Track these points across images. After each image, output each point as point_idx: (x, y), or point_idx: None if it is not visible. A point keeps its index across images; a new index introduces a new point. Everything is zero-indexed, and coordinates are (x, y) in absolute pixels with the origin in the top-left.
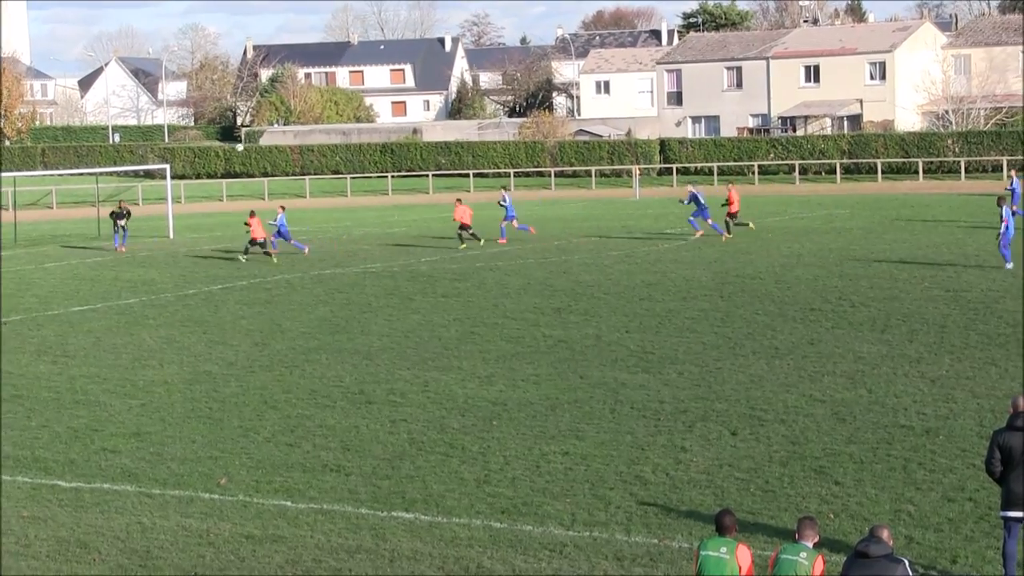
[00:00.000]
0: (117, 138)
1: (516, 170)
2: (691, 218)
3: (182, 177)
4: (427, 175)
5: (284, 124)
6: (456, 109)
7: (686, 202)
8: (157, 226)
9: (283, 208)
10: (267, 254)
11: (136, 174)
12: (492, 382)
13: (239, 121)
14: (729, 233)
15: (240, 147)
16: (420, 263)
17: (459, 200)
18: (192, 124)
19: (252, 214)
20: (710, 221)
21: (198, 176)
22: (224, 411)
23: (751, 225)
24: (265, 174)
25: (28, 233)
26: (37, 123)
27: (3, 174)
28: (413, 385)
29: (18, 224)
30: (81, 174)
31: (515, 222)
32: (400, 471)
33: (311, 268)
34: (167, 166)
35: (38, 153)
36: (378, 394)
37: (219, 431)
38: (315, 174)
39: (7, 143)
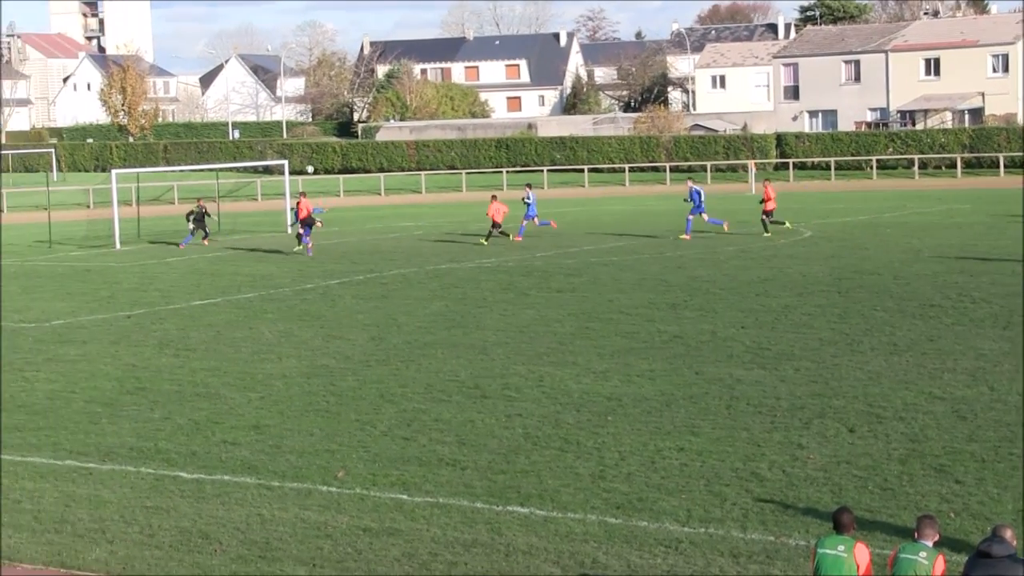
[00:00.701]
0: (237, 134)
1: (631, 165)
2: (689, 216)
3: (300, 173)
4: (542, 170)
5: (400, 120)
6: (571, 104)
7: (688, 199)
8: (275, 221)
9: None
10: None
11: (255, 170)
12: (607, 377)
13: (356, 117)
14: (767, 232)
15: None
16: (535, 258)
17: (494, 197)
18: (309, 120)
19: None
20: (706, 217)
21: (316, 172)
22: (341, 405)
23: (788, 224)
24: (381, 169)
25: (150, 228)
26: (160, 120)
27: (125, 170)
28: (528, 380)
29: (141, 220)
30: (202, 170)
31: (536, 220)
32: (515, 466)
33: (426, 263)
34: (286, 162)
35: (160, 149)
36: (493, 389)
37: (336, 424)
38: (431, 169)
39: (131, 139)
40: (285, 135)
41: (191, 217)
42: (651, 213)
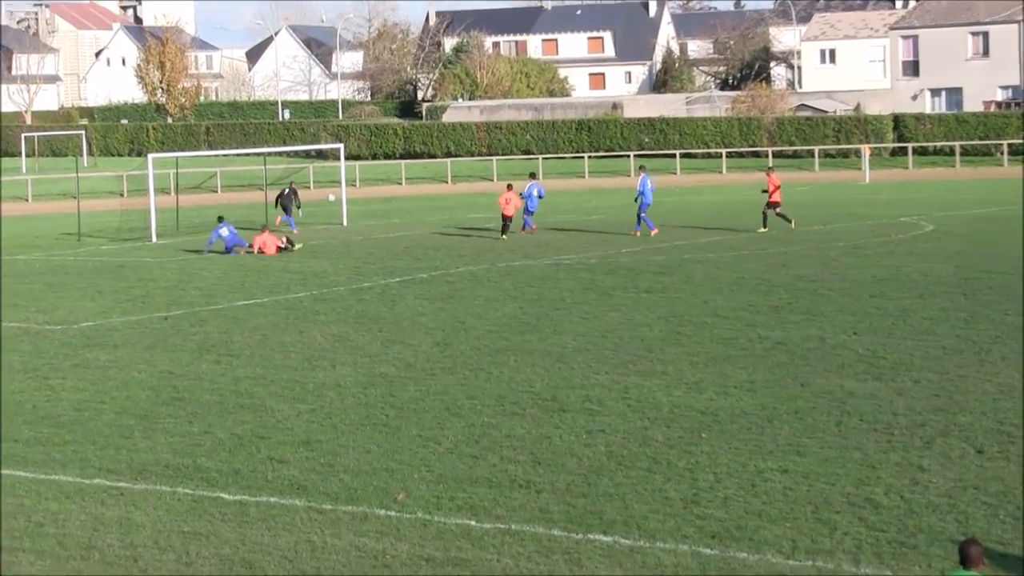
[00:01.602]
0: (287, 114)
1: (728, 150)
2: (642, 215)
3: (357, 158)
4: (628, 155)
5: (469, 99)
6: (661, 81)
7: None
8: (330, 212)
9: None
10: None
11: (307, 154)
12: (701, 389)
13: (419, 95)
14: (764, 227)
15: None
16: (620, 254)
17: (510, 186)
18: (368, 99)
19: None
20: (641, 214)
21: (374, 156)
22: (402, 418)
23: (792, 224)
24: (448, 154)
25: (191, 219)
26: (202, 98)
27: (163, 155)
28: (612, 391)
29: (180, 210)
30: (248, 154)
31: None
32: (597, 488)
33: (498, 259)
34: (341, 145)
35: (202, 131)
36: (572, 401)
37: (396, 440)
38: (503, 154)
39: (169, 120)
40: (341, 116)
41: (278, 202)
42: (751, 204)
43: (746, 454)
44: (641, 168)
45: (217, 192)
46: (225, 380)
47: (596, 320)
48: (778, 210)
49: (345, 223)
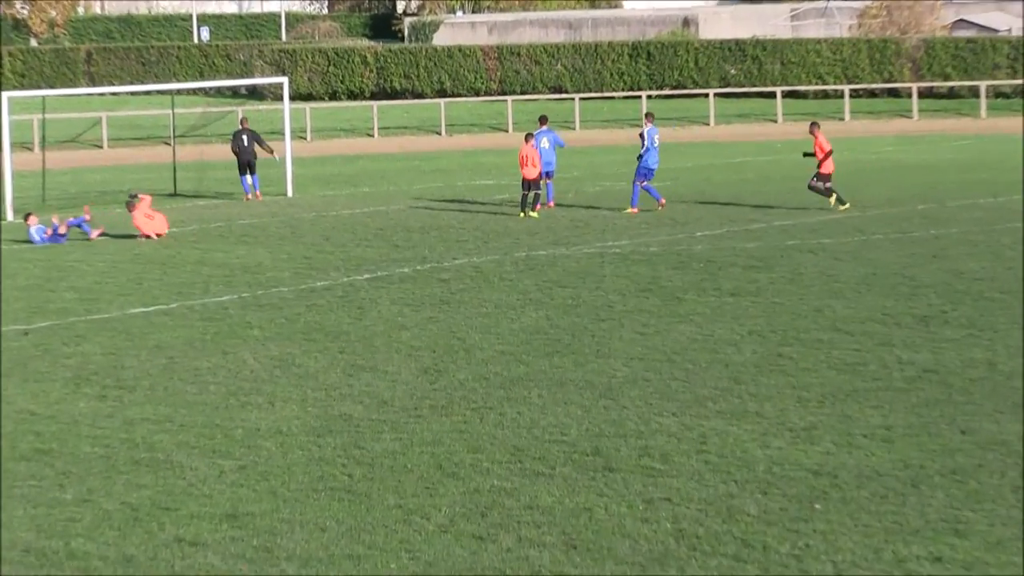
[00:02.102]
0: (205, 34)
1: (853, 86)
2: (635, 182)
3: (308, 98)
4: (706, 94)
5: (472, 11)
6: None
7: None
8: (268, 176)
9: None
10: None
11: (234, 92)
12: (813, 438)
13: (400, 7)
14: (840, 202)
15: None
16: (694, 239)
17: (529, 136)
18: (324, 11)
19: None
20: (641, 184)
21: (333, 96)
22: (373, 480)
23: (840, 206)
24: (441, 93)
25: (63, 188)
26: (81, 11)
27: (22, 93)
28: (681, 441)
29: (48, 173)
30: (148, 92)
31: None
32: None
33: (514, 247)
34: (285, 80)
35: (81, 58)
36: (624, 455)
37: (364, 513)
38: (522, 94)
39: (34, 42)
40: (284, 36)
41: (242, 160)
42: (888, 165)
43: (880, 535)
44: (647, 116)
45: (102, 147)
46: (113, 424)
47: (658, 336)
48: (828, 184)
49: (290, 193)
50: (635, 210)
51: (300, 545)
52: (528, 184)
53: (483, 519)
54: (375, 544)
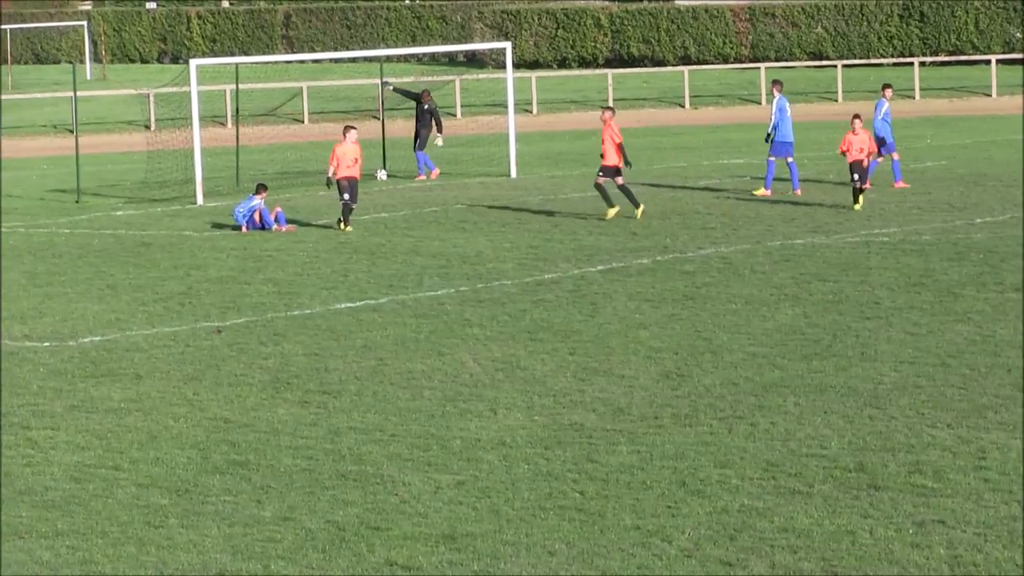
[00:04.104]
0: None
1: None
2: (770, 158)
3: (534, 65)
4: (988, 60)
5: None
6: None
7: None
8: (490, 155)
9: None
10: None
11: (451, 59)
12: None
13: None
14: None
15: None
16: (973, 226)
17: (609, 112)
18: None
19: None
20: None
21: (563, 64)
22: (607, 498)
23: (857, 205)
24: (685, 60)
25: (259, 166)
26: None
27: (212, 60)
28: (959, 457)
29: (242, 151)
30: (353, 60)
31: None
32: None
33: (768, 235)
34: (508, 45)
35: (278, 21)
36: (891, 472)
37: (598, 535)
38: (776, 60)
39: (225, 3)
40: None
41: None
42: None
43: None
44: (775, 84)
45: (303, 121)
46: (316, 433)
47: (932, 337)
48: (860, 181)
49: (514, 174)
50: (767, 192)
51: (526, 570)
52: (603, 169)
53: (732, 543)
54: (610, 570)
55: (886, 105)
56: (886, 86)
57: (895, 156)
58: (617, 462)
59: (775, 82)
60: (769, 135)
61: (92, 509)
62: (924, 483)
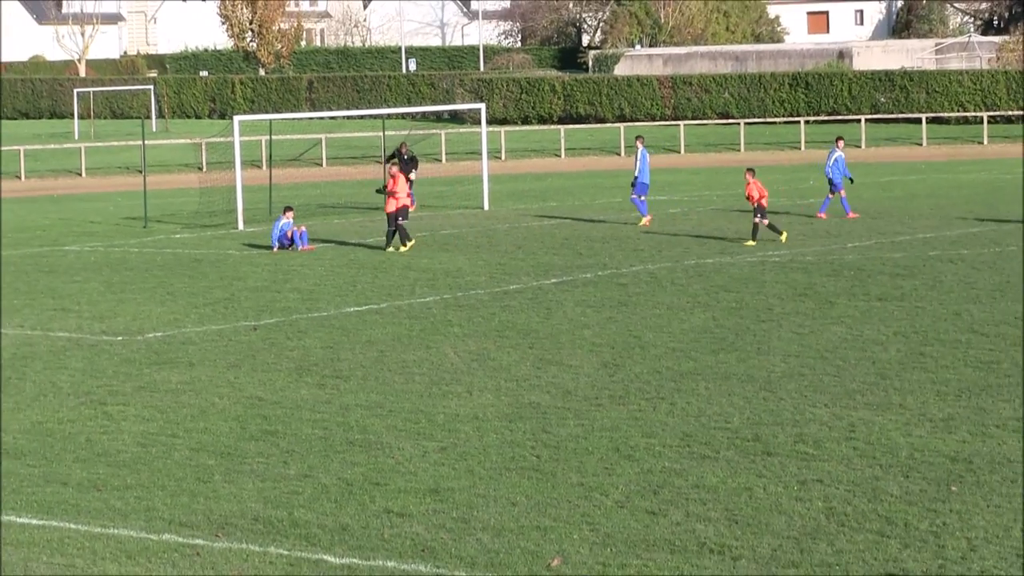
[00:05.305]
0: (412, 65)
1: (992, 113)
2: (633, 196)
3: (503, 122)
4: (858, 120)
5: (650, 44)
6: (903, 23)
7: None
8: (468, 192)
9: None
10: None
11: (438, 117)
12: (951, 427)
13: (585, 41)
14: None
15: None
16: (845, 250)
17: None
18: (518, 45)
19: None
20: (637, 198)
21: (525, 120)
22: (558, 461)
23: (750, 242)
24: (621, 118)
25: (288, 200)
26: (303, 44)
27: (253, 116)
28: (832, 429)
29: (275, 188)
30: (362, 117)
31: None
32: (813, 556)
33: (685, 255)
34: (482, 106)
35: (303, 87)
36: (780, 441)
37: (550, 490)
38: (693, 118)
39: (262, 72)
40: (483, 67)
41: (395, 161)
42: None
43: (1010, 514)
44: (638, 139)
45: (322, 165)
46: (330, 409)
47: (813, 336)
48: (759, 218)
49: (487, 206)
50: (648, 219)
51: (494, 517)
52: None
53: (655, 496)
54: (560, 517)
55: (837, 152)
56: (839, 138)
57: (842, 193)
58: (566, 433)
59: (638, 137)
60: (633, 182)
61: (154, 468)
62: (806, 450)
